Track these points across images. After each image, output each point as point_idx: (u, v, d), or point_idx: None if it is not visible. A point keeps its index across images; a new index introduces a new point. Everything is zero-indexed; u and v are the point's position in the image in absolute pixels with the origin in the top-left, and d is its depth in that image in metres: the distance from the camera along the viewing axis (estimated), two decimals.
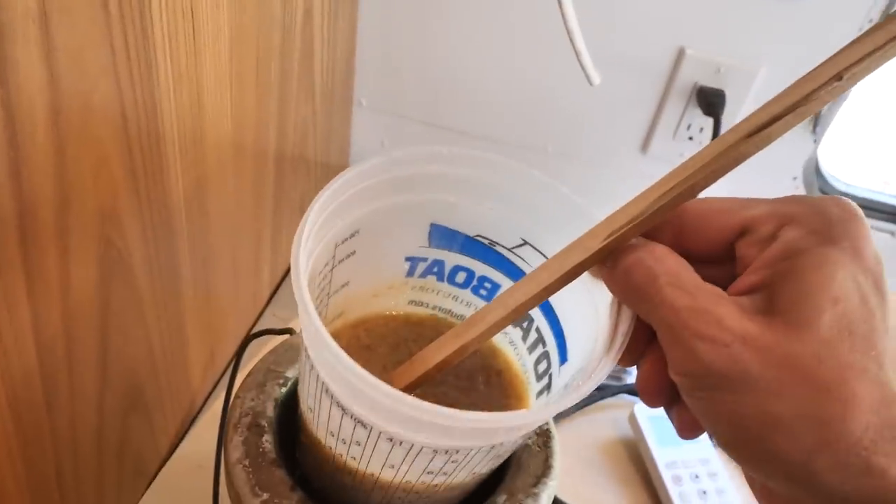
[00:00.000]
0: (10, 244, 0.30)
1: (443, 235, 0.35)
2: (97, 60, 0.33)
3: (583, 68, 0.57)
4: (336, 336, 0.31)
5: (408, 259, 0.36)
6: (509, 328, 0.36)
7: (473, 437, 0.26)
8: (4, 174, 0.29)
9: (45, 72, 0.29)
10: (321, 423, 0.30)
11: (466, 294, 0.37)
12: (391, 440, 0.26)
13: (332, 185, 0.29)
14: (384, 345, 0.37)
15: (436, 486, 0.30)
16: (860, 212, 0.22)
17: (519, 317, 0.26)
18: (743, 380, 0.21)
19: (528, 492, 0.34)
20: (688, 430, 0.25)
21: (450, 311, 0.38)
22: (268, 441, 0.35)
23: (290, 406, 0.37)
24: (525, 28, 0.72)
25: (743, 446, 0.22)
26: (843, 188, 0.76)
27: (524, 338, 0.35)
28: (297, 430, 0.34)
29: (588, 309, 0.29)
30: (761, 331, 0.21)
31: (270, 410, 0.36)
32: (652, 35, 0.69)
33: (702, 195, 0.23)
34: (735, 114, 0.70)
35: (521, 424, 0.26)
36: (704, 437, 0.58)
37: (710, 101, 0.68)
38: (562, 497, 0.53)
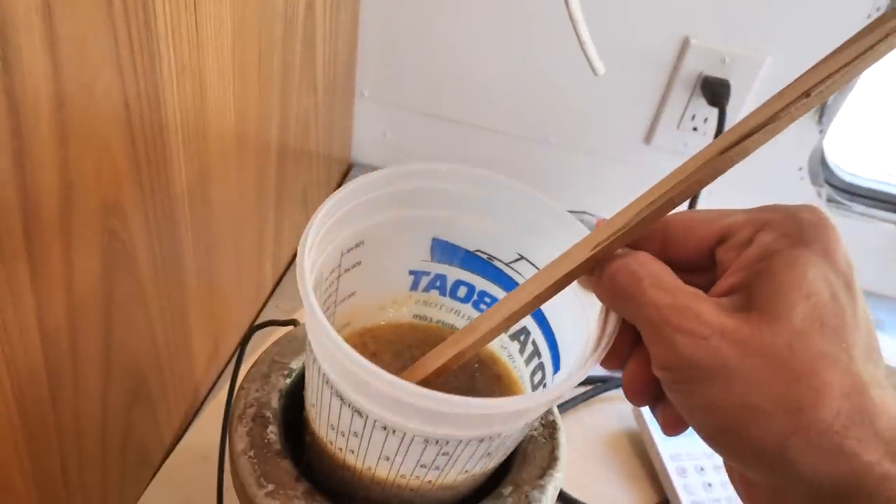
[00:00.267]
0: (15, 235, 0.30)
1: (444, 250, 0.36)
2: (100, 51, 0.32)
3: (587, 58, 0.56)
4: (341, 333, 0.32)
5: (411, 272, 0.38)
6: (507, 342, 0.38)
7: (458, 423, 0.27)
8: (8, 164, 0.28)
9: (49, 61, 0.29)
10: (323, 417, 0.31)
11: (468, 309, 0.39)
12: (385, 429, 0.27)
13: (337, 193, 0.31)
14: (389, 351, 0.38)
15: (430, 482, 0.31)
16: (830, 219, 0.24)
17: (513, 324, 0.28)
18: (721, 371, 0.22)
19: (534, 484, 0.34)
20: (671, 426, 0.26)
21: (452, 325, 0.40)
22: (273, 432, 0.35)
23: (294, 397, 0.37)
24: (528, 18, 0.71)
25: (722, 435, 0.23)
26: (848, 179, 0.76)
27: (521, 350, 0.37)
28: (303, 430, 0.35)
29: (580, 322, 0.30)
30: (738, 325, 0.22)
31: (275, 401, 0.36)
32: (656, 24, 0.69)
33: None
34: (740, 104, 0.69)
35: (498, 413, 0.26)
36: None
37: (715, 92, 0.68)
38: (566, 489, 0.53)
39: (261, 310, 0.66)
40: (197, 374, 0.55)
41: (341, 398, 0.28)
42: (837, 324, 0.22)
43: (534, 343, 0.36)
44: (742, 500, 0.25)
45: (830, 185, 0.75)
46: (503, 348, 0.38)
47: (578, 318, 0.30)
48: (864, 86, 0.68)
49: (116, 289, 0.39)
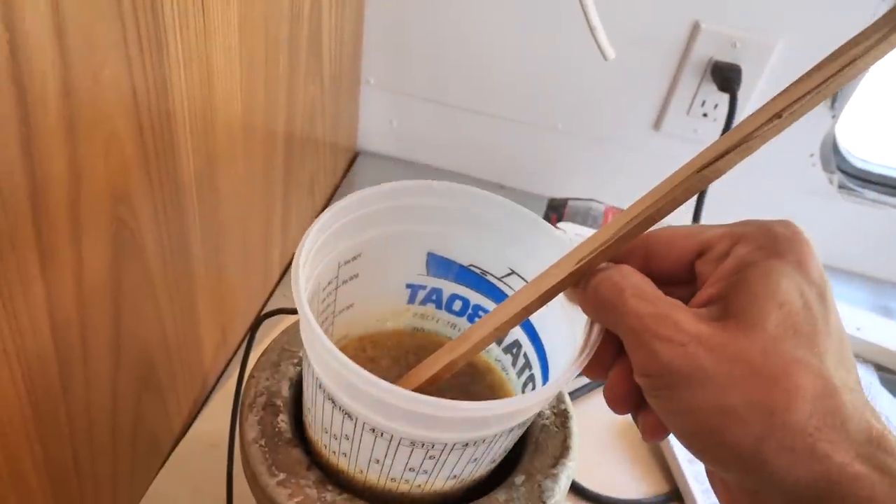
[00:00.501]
0: (24, 223, 0.30)
1: (439, 264, 0.38)
2: (108, 37, 0.32)
3: (597, 44, 0.56)
4: (342, 348, 0.35)
5: (408, 286, 0.39)
6: (501, 355, 0.39)
7: (440, 426, 0.28)
8: (17, 153, 0.28)
9: (57, 48, 0.29)
10: (317, 421, 0.32)
11: (463, 322, 0.40)
12: (374, 431, 0.29)
13: (334, 206, 0.32)
14: (387, 357, 0.39)
15: (419, 486, 0.31)
16: (805, 233, 0.25)
17: (503, 334, 0.29)
18: (698, 375, 0.23)
19: (546, 473, 0.34)
20: (651, 432, 0.27)
21: (449, 338, 0.40)
22: (283, 421, 0.35)
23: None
24: (535, 3, 0.70)
25: (700, 439, 0.24)
26: (860, 165, 0.75)
27: (514, 363, 0.38)
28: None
29: (568, 336, 0.31)
30: (714, 332, 0.23)
31: (285, 390, 0.36)
32: (665, 9, 0.68)
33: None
34: (751, 89, 0.68)
35: (472, 416, 0.27)
36: None
37: (726, 77, 0.67)
38: (575, 478, 0.53)
39: (268, 298, 0.66)
40: (205, 362, 0.55)
41: (333, 401, 0.29)
42: (810, 331, 0.23)
43: (525, 356, 0.37)
44: None
45: (842, 171, 0.75)
46: (497, 361, 0.39)
47: (566, 332, 0.31)
48: (877, 71, 0.67)
49: (125, 278, 0.39)
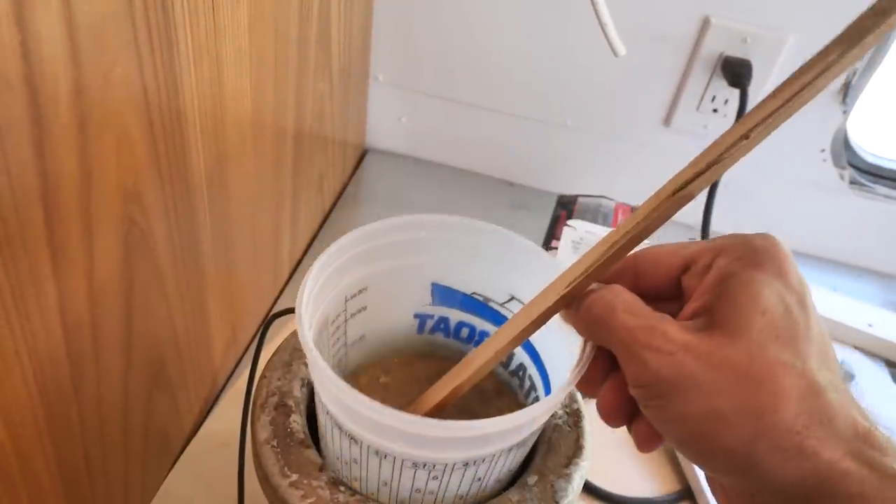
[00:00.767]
0: (36, 222, 0.30)
1: (444, 293, 0.39)
2: (118, 36, 0.32)
3: (608, 39, 0.55)
4: (356, 375, 0.40)
5: (416, 315, 0.41)
6: (508, 377, 0.41)
7: (437, 446, 0.29)
8: (29, 152, 0.28)
9: (68, 47, 0.29)
10: (331, 451, 0.33)
11: (472, 349, 0.41)
12: (378, 453, 0.30)
13: (335, 243, 0.34)
14: (400, 384, 0.41)
15: None
16: (783, 243, 0.26)
17: (503, 357, 0.30)
18: (687, 383, 0.24)
19: (559, 473, 0.34)
20: (644, 443, 0.28)
21: None
22: (296, 421, 0.35)
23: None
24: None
25: (695, 445, 0.25)
26: (871, 160, 0.74)
27: (521, 386, 0.40)
28: None
29: (567, 358, 0.32)
30: (701, 340, 0.24)
31: (297, 390, 0.36)
32: (676, 4, 0.67)
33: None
34: (762, 84, 0.68)
35: (462, 436, 0.28)
36: None
37: (736, 72, 0.67)
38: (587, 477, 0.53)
39: (278, 297, 0.66)
40: (215, 361, 0.55)
41: (340, 427, 0.31)
42: (792, 335, 0.24)
43: (530, 377, 0.39)
44: None
45: (853, 166, 0.74)
46: (507, 384, 0.41)
47: (566, 354, 0.32)
48: (890, 65, 0.67)
49: (136, 276, 0.39)
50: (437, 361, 0.40)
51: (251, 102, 0.49)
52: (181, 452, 0.52)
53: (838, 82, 0.67)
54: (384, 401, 0.35)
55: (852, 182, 0.74)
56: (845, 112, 0.69)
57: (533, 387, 0.39)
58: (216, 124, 0.44)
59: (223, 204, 0.48)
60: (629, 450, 0.57)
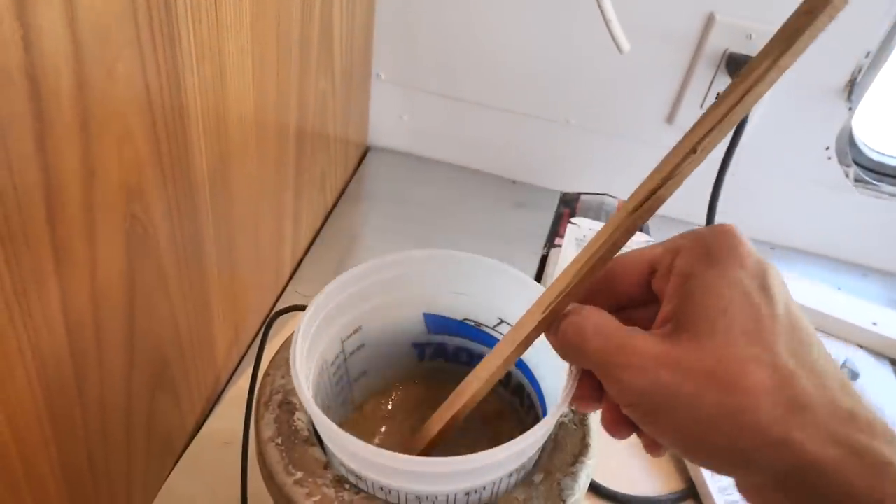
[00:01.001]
0: (38, 219, 0.29)
1: (437, 322, 0.41)
2: (121, 32, 0.32)
3: (612, 36, 0.55)
4: (361, 405, 0.42)
5: (414, 345, 0.42)
6: (509, 396, 0.42)
7: (435, 481, 0.30)
8: (32, 147, 0.28)
9: (70, 43, 0.29)
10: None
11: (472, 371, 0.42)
12: (382, 489, 0.31)
13: (327, 287, 0.35)
14: (403, 412, 0.42)
15: None
16: (735, 228, 0.26)
17: (493, 384, 0.31)
18: (667, 394, 0.24)
19: (565, 471, 0.34)
20: (652, 448, 0.29)
21: None
22: (300, 419, 0.34)
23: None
24: None
25: (692, 450, 0.25)
26: (876, 158, 0.74)
27: (521, 404, 0.41)
28: None
29: (562, 376, 0.33)
30: (669, 349, 0.24)
31: None
32: (680, 0, 0.67)
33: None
34: None
35: (460, 470, 0.29)
36: None
37: (741, 69, 0.66)
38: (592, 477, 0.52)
39: (279, 295, 0.65)
40: (218, 360, 0.54)
41: (344, 465, 0.32)
42: (757, 328, 0.24)
43: (529, 397, 0.40)
44: (742, 496, 0.26)
45: (858, 164, 0.74)
46: (508, 404, 0.42)
47: (560, 372, 0.33)
48: (894, 63, 0.66)
49: (139, 275, 0.39)
50: (439, 385, 0.41)
51: (253, 101, 0.48)
52: (183, 451, 0.51)
53: (843, 79, 0.67)
54: (389, 428, 0.38)
55: (857, 180, 0.74)
56: (850, 109, 0.69)
57: (532, 405, 0.39)
58: (219, 123, 0.44)
59: (226, 202, 0.48)
60: (632, 448, 0.57)
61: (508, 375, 0.41)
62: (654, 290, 0.28)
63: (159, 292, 0.42)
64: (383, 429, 0.41)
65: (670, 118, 0.74)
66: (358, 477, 0.31)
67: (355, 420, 0.41)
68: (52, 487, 0.36)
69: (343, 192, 0.79)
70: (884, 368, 0.65)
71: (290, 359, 0.31)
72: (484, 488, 0.32)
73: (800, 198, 0.76)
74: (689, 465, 0.54)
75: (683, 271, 0.26)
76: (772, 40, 0.23)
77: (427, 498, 0.31)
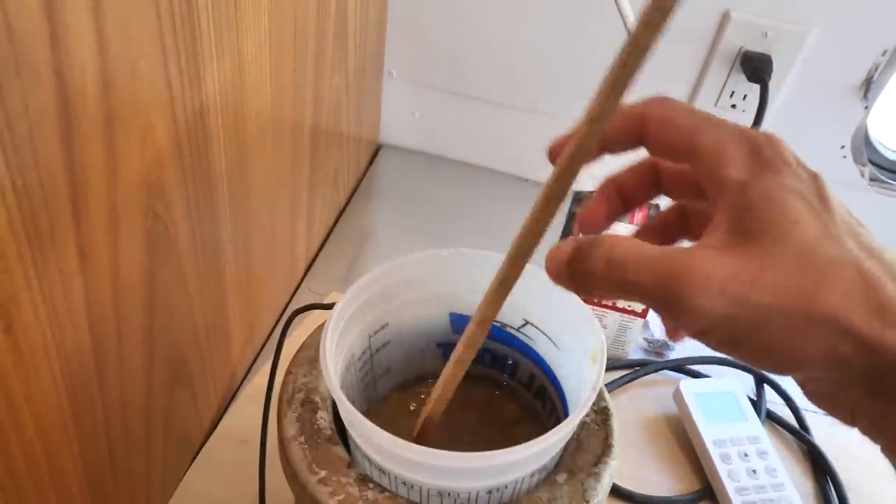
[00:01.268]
0: (64, 216, 0.29)
1: (462, 322, 0.40)
2: (144, 29, 0.32)
3: (628, 31, 0.55)
4: (387, 402, 0.42)
5: (439, 345, 0.42)
6: (531, 398, 0.42)
7: (456, 476, 0.30)
8: (58, 145, 0.28)
9: (95, 40, 0.28)
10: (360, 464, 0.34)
11: (496, 373, 0.43)
12: (405, 483, 0.31)
13: (355, 284, 0.35)
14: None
15: None
16: (778, 137, 0.25)
17: (464, 369, 0.32)
18: (751, 315, 0.22)
19: (589, 471, 0.33)
20: (676, 334, 0.28)
21: None
22: (322, 418, 0.34)
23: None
24: None
25: (775, 363, 0.23)
26: (892, 157, 0.74)
27: (543, 407, 0.41)
28: None
29: (581, 377, 0.34)
30: (744, 264, 0.22)
31: (323, 386, 0.36)
32: None
33: None
34: (782, 80, 0.67)
35: (482, 467, 0.30)
36: (753, 416, 0.57)
37: (756, 67, 0.66)
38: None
39: (293, 293, 0.65)
40: (234, 357, 0.54)
41: (369, 460, 0.32)
42: (828, 234, 0.23)
43: (550, 399, 0.40)
44: (809, 399, 0.26)
45: (874, 163, 0.73)
46: (528, 408, 0.42)
47: (579, 374, 0.34)
48: None
49: (159, 272, 0.39)
50: (462, 385, 0.41)
51: (271, 97, 0.48)
52: (200, 449, 0.51)
53: (860, 78, 0.67)
54: (413, 426, 0.37)
55: (872, 179, 0.73)
56: (866, 108, 0.68)
57: (554, 408, 0.39)
58: (237, 119, 0.43)
59: (243, 199, 0.48)
60: (649, 449, 0.56)
61: (531, 378, 0.41)
62: (697, 175, 0.26)
63: (179, 290, 0.42)
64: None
65: None
66: (381, 472, 0.31)
67: (377, 416, 0.41)
68: (74, 485, 0.36)
69: (355, 189, 0.79)
70: None
71: (321, 351, 0.31)
72: (506, 487, 0.31)
73: None
74: (706, 464, 0.54)
75: (741, 181, 0.24)
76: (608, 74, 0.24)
77: (449, 495, 0.31)
